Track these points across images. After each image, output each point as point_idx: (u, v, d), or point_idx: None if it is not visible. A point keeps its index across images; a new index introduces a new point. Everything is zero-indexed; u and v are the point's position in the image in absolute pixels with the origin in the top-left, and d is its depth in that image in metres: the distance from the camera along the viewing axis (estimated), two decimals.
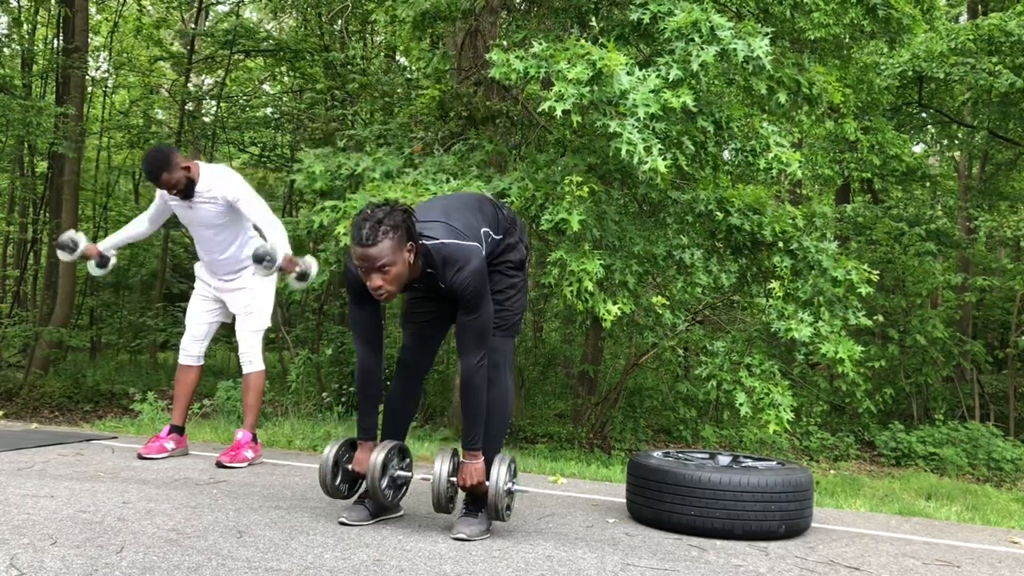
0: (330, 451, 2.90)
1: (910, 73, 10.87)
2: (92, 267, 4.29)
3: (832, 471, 9.33)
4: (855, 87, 9.22)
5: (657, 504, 3.13)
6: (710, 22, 5.14)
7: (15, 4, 13.52)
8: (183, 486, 3.36)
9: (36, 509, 2.75)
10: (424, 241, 2.67)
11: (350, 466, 2.94)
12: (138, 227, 4.30)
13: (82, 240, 4.16)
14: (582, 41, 5.18)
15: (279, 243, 3.87)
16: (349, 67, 11.94)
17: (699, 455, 3.54)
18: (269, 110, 15.58)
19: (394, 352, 3.25)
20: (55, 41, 13.98)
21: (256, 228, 4.11)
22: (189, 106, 14.72)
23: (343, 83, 11.51)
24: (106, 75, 16.35)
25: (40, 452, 4.04)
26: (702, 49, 5.10)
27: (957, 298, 13.65)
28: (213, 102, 15.17)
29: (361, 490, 2.95)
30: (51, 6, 13.33)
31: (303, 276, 3.93)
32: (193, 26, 15.11)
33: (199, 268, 4.29)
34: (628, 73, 4.97)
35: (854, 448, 10.58)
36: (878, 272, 6.49)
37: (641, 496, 3.22)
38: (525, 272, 3.02)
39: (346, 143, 8.08)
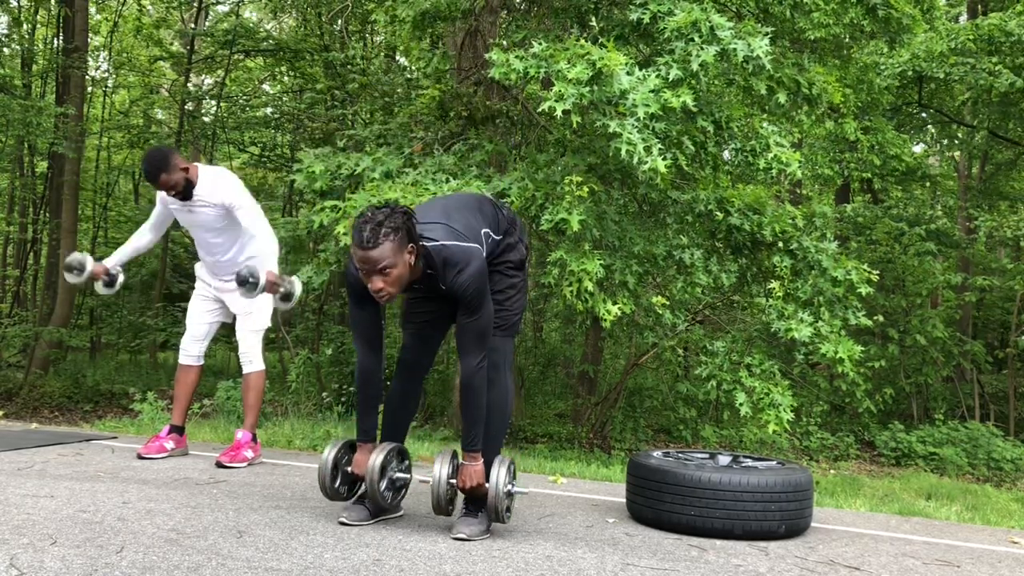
0: (329, 453, 2.90)
1: (910, 73, 10.87)
2: (100, 287, 4.23)
3: (832, 471, 9.33)
4: (855, 87, 9.22)
5: (657, 504, 3.13)
6: (710, 22, 5.14)
7: (15, 4, 13.52)
8: (183, 486, 3.37)
9: (36, 509, 2.75)
10: (425, 243, 2.67)
11: (349, 468, 2.93)
12: (142, 239, 4.26)
13: (89, 261, 4.10)
14: (582, 41, 5.18)
15: (267, 258, 3.85)
16: (349, 67, 11.95)
17: (699, 455, 3.54)
18: (269, 110, 15.58)
19: (394, 352, 3.25)
20: (55, 41, 13.98)
21: None
22: (189, 106, 14.73)
23: (343, 83, 11.51)
24: (106, 75, 16.36)
25: (40, 452, 4.04)
26: (702, 49, 5.10)
27: (957, 298, 13.65)
28: (213, 102, 15.18)
29: (361, 491, 2.95)
30: (51, 6, 13.33)
31: (287, 296, 3.87)
32: (193, 26, 15.12)
33: (199, 268, 4.29)
34: (628, 73, 4.97)
35: (854, 448, 10.58)
36: (878, 272, 6.49)
37: (641, 496, 3.22)
38: (525, 272, 3.02)
39: (346, 143, 8.09)
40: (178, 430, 4.19)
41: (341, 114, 11.10)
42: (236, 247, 4.09)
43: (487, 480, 2.78)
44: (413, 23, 7.46)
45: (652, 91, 4.91)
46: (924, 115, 13.51)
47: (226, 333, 7.66)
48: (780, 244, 6.26)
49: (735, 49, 5.11)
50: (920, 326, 11.19)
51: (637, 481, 3.26)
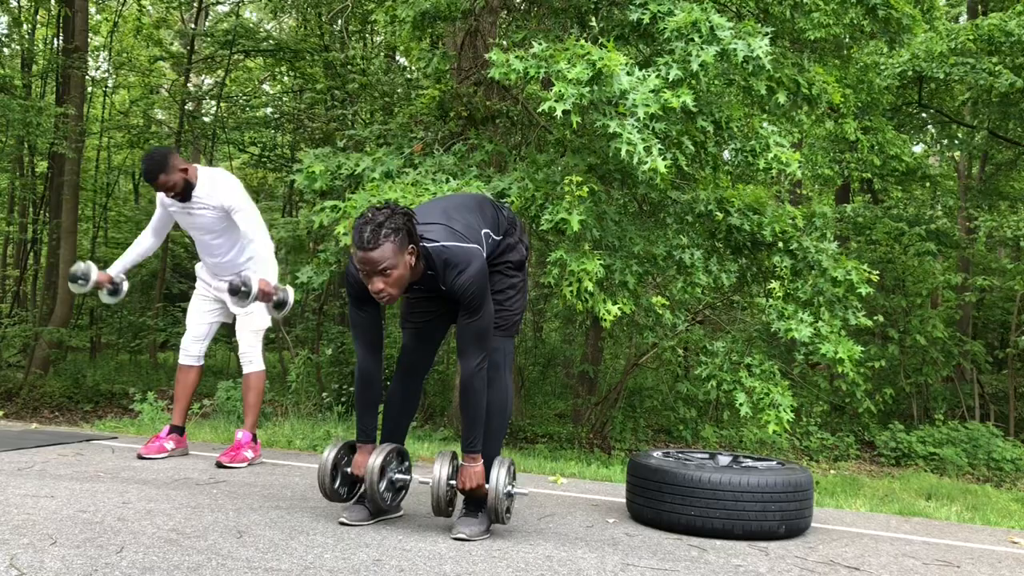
0: (329, 454, 2.89)
1: (910, 73, 10.87)
2: (104, 296, 4.21)
3: (832, 471, 9.33)
4: (855, 87, 9.21)
5: (657, 504, 3.13)
6: (710, 22, 5.14)
7: (15, 4, 13.52)
8: (183, 486, 3.37)
9: (36, 509, 2.76)
10: (425, 243, 2.67)
11: (349, 469, 2.93)
12: (144, 243, 4.24)
13: (93, 271, 4.09)
14: (582, 41, 5.18)
15: (261, 265, 3.84)
16: (349, 67, 11.95)
17: (699, 455, 3.54)
18: (269, 110, 15.58)
19: (394, 352, 3.25)
20: (55, 41, 13.99)
21: None
22: (189, 106, 14.73)
23: (343, 83, 11.52)
24: (106, 75, 16.36)
25: (40, 452, 4.04)
26: (702, 49, 5.10)
27: (957, 298, 13.65)
28: (213, 102, 15.18)
29: (360, 492, 2.95)
30: (51, 6, 13.33)
31: (280, 305, 3.84)
32: (193, 26, 15.12)
33: (200, 268, 4.29)
34: (628, 73, 4.97)
35: (854, 448, 10.58)
36: (878, 272, 6.49)
37: (641, 496, 3.22)
38: (525, 272, 3.02)
39: (346, 143, 8.09)
40: (178, 430, 4.19)
41: (341, 114, 11.11)
42: (236, 249, 4.09)
43: (487, 481, 2.78)
44: (413, 23, 7.45)
45: (652, 91, 4.91)
46: (924, 115, 13.50)
47: (226, 333, 7.66)
48: (780, 244, 6.26)
49: (735, 49, 5.12)
50: (920, 326, 11.19)
51: (637, 481, 3.26)
